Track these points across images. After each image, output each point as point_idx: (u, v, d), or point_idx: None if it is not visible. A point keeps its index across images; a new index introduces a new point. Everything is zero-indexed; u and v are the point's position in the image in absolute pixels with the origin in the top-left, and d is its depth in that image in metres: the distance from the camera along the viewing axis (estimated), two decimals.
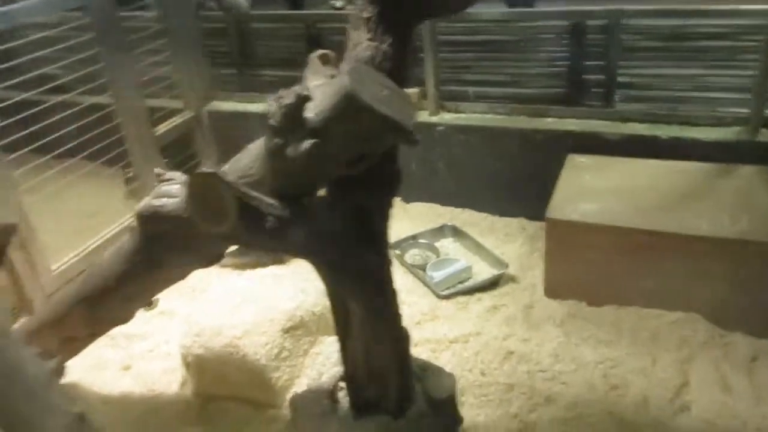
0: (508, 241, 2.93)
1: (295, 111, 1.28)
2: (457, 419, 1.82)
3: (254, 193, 1.30)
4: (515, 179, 3.00)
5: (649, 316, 2.30)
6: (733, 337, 2.20)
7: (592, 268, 2.37)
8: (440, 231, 2.99)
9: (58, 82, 2.80)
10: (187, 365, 2.06)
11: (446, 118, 3.10)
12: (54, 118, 2.70)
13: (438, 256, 2.80)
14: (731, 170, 2.48)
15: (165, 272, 1.70)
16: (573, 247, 2.36)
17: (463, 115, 3.10)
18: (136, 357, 2.33)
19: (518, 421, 1.96)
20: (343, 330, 1.72)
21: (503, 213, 3.10)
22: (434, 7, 1.63)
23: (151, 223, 1.59)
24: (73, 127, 2.80)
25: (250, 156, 1.44)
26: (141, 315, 2.21)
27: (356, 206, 1.53)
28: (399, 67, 1.54)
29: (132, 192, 3.40)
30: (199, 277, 2.48)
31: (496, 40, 3.33)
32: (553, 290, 2.47)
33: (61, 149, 2.73)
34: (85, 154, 2.82)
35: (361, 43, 1.49)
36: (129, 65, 2.97)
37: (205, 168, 1.22)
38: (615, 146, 2.73)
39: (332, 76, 1.47)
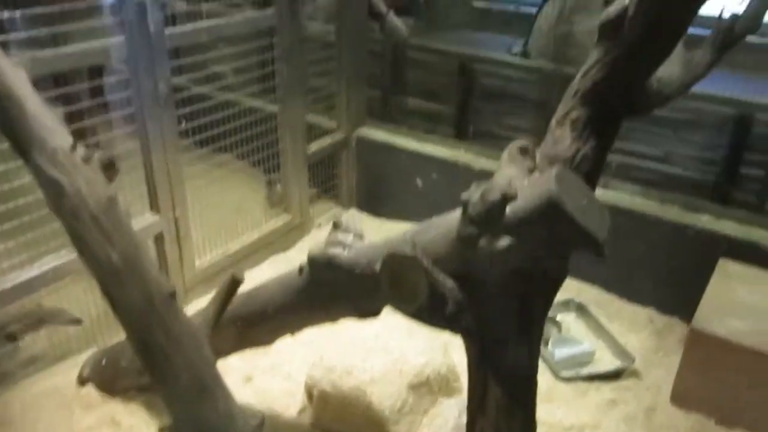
0: (634, 331, 2.83)
1: (498, 209, 1.30)
2: None
3: (441, 277, 1.33)
4: (653, 268, 2.90)
5: None
6: None
7: (729, 387, 2.25)
8: (565, 305, 2.94)
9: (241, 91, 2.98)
10: (311, 395, 2.14)
11: (596, 193, 3.04)
12: (220, 115, 2.86)
13: (560, 331, 2.76)
14: None
15: (321, 315, 1.77)
16: (713, 362, 2.25)
17: (611, 193, 3.04)
18: (259, 370, 2.43)
19: None
20: (476, 406, 1.72)
21: (632, 298, 3.00)
22: (641, 109, 1.62)
23: (322, 270, 1.67)
24: (236, 125, 2.96)
25: (439, 231, 1.48)
26: None
27: (521, 297, 1.55)
28: (596, 170, 1.55)
29: (271, 198, 3.57)
30: None
31: (654, 114, 3.26)
32: (680, 398, 2.37)
33: (222, 144, 2.90)
34: (239, 152, 2.99)
35: (563, 141, 1.51)
36: (301, 78, 3.11)
37: (405, 250, 1.27)
38: None
39: (530, 170, 1.49)
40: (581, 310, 2.91)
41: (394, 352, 2.10)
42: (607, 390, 2.48)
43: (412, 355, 2.10)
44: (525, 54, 3.89)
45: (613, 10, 1.35)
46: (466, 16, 9.17)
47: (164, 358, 1.45)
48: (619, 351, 2.63)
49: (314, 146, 3.41)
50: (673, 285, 2.75)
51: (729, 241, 2.69)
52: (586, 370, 2.53)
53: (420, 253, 1.27)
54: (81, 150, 1.29)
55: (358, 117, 3.65)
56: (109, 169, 1.31)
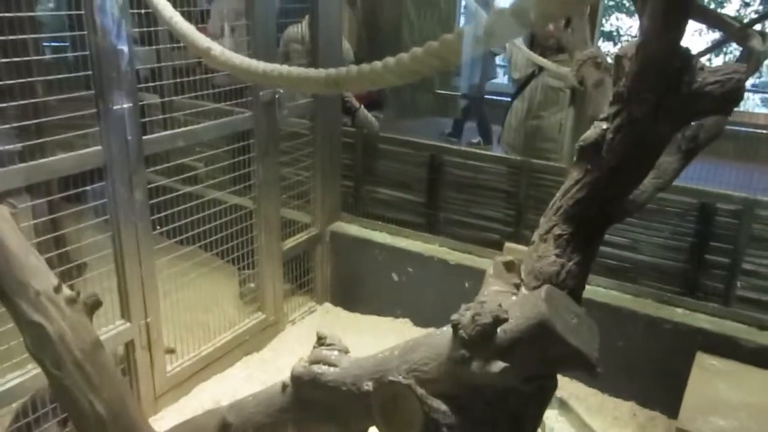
0: (617, 426, 2.80)
1: (490, 332, 1.29)
2: None
3: (435, 403, 1.30)
4: (633, 362, 2.90)
5: None
6: None
7: None
8: None
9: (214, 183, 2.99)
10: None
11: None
12: (197, 216, 2.84)
13: (543, 430, 2.70)
14: None
15: None
16: None
17: (588, 287, 3.06)
18: None
19: None
20: None
21: (614, 393, 2.98)
22: (617, 218, 1.65)
23: (306, 388, 1.61)
24: (216, 223, 2.94)
25: (428, 352, 1.45)
26: None
27: (510, 414, 1.52)
28: (581, 285, 1.56)
29: (245, 294, 3.51)
30: None
31: None
32: None
33: (202, 243, 2.86)
34: (218, 250, 2.96)
35: (547, 257, 1.52)
36: (276, 176, 3.13)
37: (401, 378, 1.24)
38: (751, 354, 2.61)
39: (515, 285, 1.49)
40: (563, 405, 2.87)
41: None
42: None
43: None
44: (483, 145, 4.01)
45: (591, 134, 1.40)
46: (430, 104, 9.50)
47: None
48: None
49: (289, 242, 3.40)
50: (653, 379, 2.74)
51: (704, 334, 2.72)
52: None
53: (413, 382, 1.25)
54: (65, 291, 1.24)
55: (333, 211, 3.67)
56: (96, 307, 1.26)
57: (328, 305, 3.73)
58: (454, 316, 1.37)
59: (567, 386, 3.03)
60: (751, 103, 8.78)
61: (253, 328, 3.22)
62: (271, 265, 3.24)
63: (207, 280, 3.13)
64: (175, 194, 2.76)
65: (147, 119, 2.67)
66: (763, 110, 8.94)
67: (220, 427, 1.78)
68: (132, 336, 2.51)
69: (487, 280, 1.52)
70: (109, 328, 2.41)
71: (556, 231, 1.52)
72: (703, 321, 2.78)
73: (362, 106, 4.18)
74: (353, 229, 3.66)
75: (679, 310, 2.86)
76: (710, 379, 2.50)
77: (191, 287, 2.95)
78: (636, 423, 2.82)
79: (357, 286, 3.64)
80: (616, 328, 2.92)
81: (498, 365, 1.29)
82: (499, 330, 1.34)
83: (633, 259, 3.13)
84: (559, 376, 3.18)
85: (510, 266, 1.55)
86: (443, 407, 1.35)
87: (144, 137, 2.39)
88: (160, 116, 3.24)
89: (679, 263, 3.43)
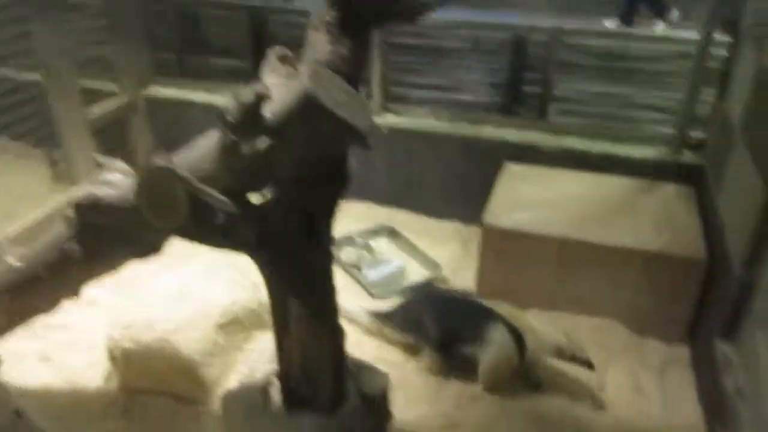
0: (442, 244, 2.99)
1: (253, 109, 1.27)
2: (387, 416, 1.85)
3: (206, 189, 1.28)
4: (453, 183, 3.07)
5: (572, 320, 2.41)
6: (647, 343, 2.34)
7: (522, 273, 2.46)
8: (376, 231, 3.02)
9: None
10: (114, 358, 2.00)
11: (389, 119, 3.14)
12: None
13: (373, 255, 2.83)
14: (655, 187, 2.63)
15: (98, 263, 1.64)
16: (505, 253, 2.44)
17: (404, 118, 3.14)
18: (57, 348, 2.23)
19: (446, 417, 2.01)
20: (280, 327, 1.72)
21: (439, 216, 3.16)
22: (394, 14, 1.65)
23: (90, 213, 1.53)
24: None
25: (201, 150, 1.41)
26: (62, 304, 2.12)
27: (305, 206, 1.54)
28: (356, 71, 1.55)
29: (59, 175, 3.25)
30: (128, 269, 2.42)
31: (442, 47, 3.39)
32: (484, 293, 2.54)
33: None
34: (11, 133, 2.68)
35: (320, 45, 1.50)
36: (63, 43, 2.83)
37: (158, 160, 1.19)
38: (550, 158, 2.84)
39: (290, 76, 1.46)
40: (392, 233, 3.01)
41: (198, 297, 2.02)
42: None
43: (217, 296, 2.04)
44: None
45: None
46: None
47: None
48: (428, 263, 2.77)
49: (96, 110, 3.14)
50: (471, 196, 2.91)
51: (511, 146, 2.91)
52: (398, 286, 2.63)
53: (175, 163, 1.20)
54: None
55: (143, 78, 3.42)
56: None
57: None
58: (222, 104, 1.33)
59: (396, 216, 3.17)
60: None
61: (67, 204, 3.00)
62: (78, 137, 2.99)
63: (11, 168, 2.86)
64: None
65: None
66: None
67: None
68: None
69: (262, 75, 1.48)
70: None
71: (327, 18, 1.49)
72: (509, 134, 2.96)
73: None
74: (170, 92, 3.45)
75: (489, 128, 3.02)
76: (514, 182, 2.70)
77: None
78: (460, 238, 3.03)
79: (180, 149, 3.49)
80: (434, 153, 3.04)
81: (264, 141, 1.27)
82: (268, 113, 1.32)
83: (457, 100, 3.21)
84: (388, 209, 3.32)
85: (284, 59, 1.51)
86: (220, 195, 1.33)
87: None
88: None
89: (499, 98, 3.60)
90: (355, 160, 3.29)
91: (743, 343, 1.89)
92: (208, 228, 1.28)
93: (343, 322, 2.27)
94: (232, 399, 1.86)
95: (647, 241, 2.30)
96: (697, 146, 2.73)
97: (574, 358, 2.08)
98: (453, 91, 3.45)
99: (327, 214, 1.62)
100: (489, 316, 2.13)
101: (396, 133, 3.08)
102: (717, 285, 2.13)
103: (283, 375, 1.79)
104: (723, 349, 1.96)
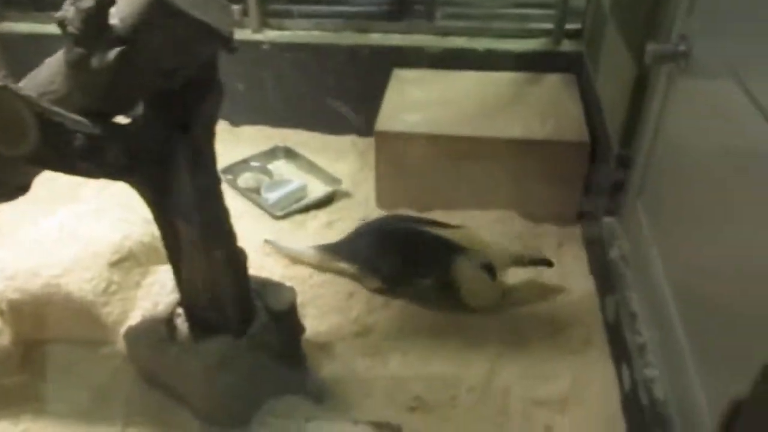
0: (341, 159, 2.96)
1: (96, 15, 1.16)
2: (299, 329, 1.86)
3: (56, 109, 1.17)
4: (345, 96, 3.01)
5: (473, 216, 2.47)
6: (543, 228, 2.45)
7: (419, 177, 2.48)
8: (272, 153, 2.94)
9: None
10: (1, 312, 1.88)
11: (271, 35, 3.00)
12: None
13: (271, 178, 2.77)
14: (539, 78, 2.69)
15: None
16: (401, 158, 2.45)
17: (288, 33, 3.02)
18: None
19: (358, 324, 2.05)
20: (174, 255, 1.66)
21: (334, 131, 3.11)
22: None
23: None
24: None
25: (50, 70, 1.29)
26: None
27: (178, 122, 1.46)
28: None
29: None
30: (4, 218, 2.25)
31: None
32: (384, 201, 2.56)
33: None
34: None
35: None
36: None
37: None
38: (437, 59, 2.83)
39: None
40: (288, 153, 2.94)
41: (85, 237, 1.91)
42: (323, 216, 2.58)
43: (105, 235, 1.93)
44: None
45: None
46: None
47: None
48: (328, 178, 2.74)
49: None
50: (365, 106, 2.87)
51: (398, 51, 2.87)
52: (300, 204, 2.60)
53: (11, 82, 1.09)
54: None
55: None
56: None
57: None
58: (58, 14, 1.20)
59: (291, 136, 3.09)
60: None
61: None
62: None
63: None
64: None
65: None
66: None
67: None
68: None
69: None
70: None
71: None
72: (395, 39, 2.91)
73: None
74: (24, 27, 3.14)
75: (375, 35, 2.96)
76: (404, 87, 2.68)
77: None
78: (357, 150, 3.00)
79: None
80: (320, 66, 2.96)
81: (114, 51, 1.17)
82: (117, 21, 1.21)
83: (340, 12, 3.08)
84: (283, 129, 3.23)
85: None
86: (75, 116, 1.23)
87: None
88: None
89: (384, 6, 3.49)
90: (241, 84, 3.17)
91: (626, 215, 2.01)
92: (68, 153, 1.18)
93: (291, 262, 2.29)
94: (136, 335, 1.81)
95: (535, 131, 2.36)
96: (575, 35, 2.80)
97: (533, 262, 2.10)
98: (337, 3, 3.32)
99: (204, 129, 1.54)
100: (449, 249, 2.05)
101: (280, 49, 2.96)
102: (601, 165, 2.23)
103: (187, 303, 1.75)
104: (608, 222, 2.08)
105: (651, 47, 1.57)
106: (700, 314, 1.42)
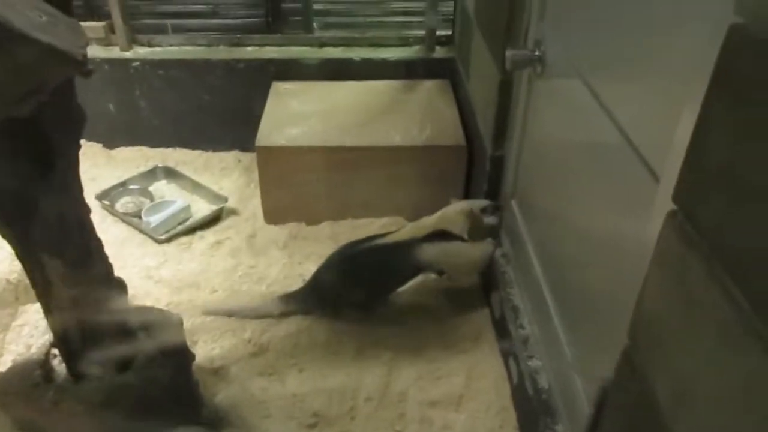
0: (225, 176, 2.90)
1: None
2: (188, 357, 1.80)
3: None
4: (223, 112, 2.95)
5: (361, 224, 2.50)
6: None
7: (305, 190, 2.47)
8: (152, 174, 2.83)
9: None
10: None
11: (141, 52, 2.89)
12: None
13: (153, 200, 2.66)
14: (415, 85, 2.76)
15: None
16: (285, 172, 2.43)
17: (159, 49, 2.92)
18: None
19: (252, 344, 2.01)
20: (43, 292, 1.55)
21: (217, 148, 3.04)
22: None
23: None
24: None
25: None
26: None
27: (37, 154, 1.37)
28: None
29: None
30: None
31: None
32: (272, 216, 2.53)
33: None
34: None
35: None
36: None
37: None
38: (314, 71, 2.83)
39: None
40: (170, 173, 2.84)
41: None
42: (210, 235, 2.52)
43: None
44: None
45: None
46: None
47: None
48: (213, 197, 2.67)
49: None
50: (245, 120, 2.82)
51: (275, 64, 2.85)
52: (184, 226, 2.52)
53: None
54: None
55: None
56: None
57: None
58: None
59: (171, 156, 2.99)
60: None
61: None
62: None
63: None
64: None
65: None
66: None
67: None
68: None
69: None
70: None
71: None
72: (272, 52, 2.89)
73: None
74: None
75: (250, 48, 2.92)
76: (283, 100, 2.66)
77: None
78: (242, 166, 2.95)
79: None
80: (196, 82, 2.88)
81: None
82: None
83: (216, 25, 3.02)
84: (161, 149, 3.11)
85: None
86: None
87: None
88: None
89: (259, 19, 3.45)
90: (113, 104, 3.03)
91: (503, 214, 2.10)
92: None
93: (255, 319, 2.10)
94: (8, 382, 1.68)
95: (414, 137, 2.42)
96: (447, 42, 2.90)
97: (484, 210, 2.10)
98: (211, 16, 3.24)
99: (66, 158, 1.45)
100: (404, 247, 2.01)
101: (152, 66, 2.85)
102: (477, 167, 2.32)
103: (61, 343, 1.64)
104: (488, 221, 2.16)
105: (509, 53, 1.65)
106: (569, 304, 1.51)
